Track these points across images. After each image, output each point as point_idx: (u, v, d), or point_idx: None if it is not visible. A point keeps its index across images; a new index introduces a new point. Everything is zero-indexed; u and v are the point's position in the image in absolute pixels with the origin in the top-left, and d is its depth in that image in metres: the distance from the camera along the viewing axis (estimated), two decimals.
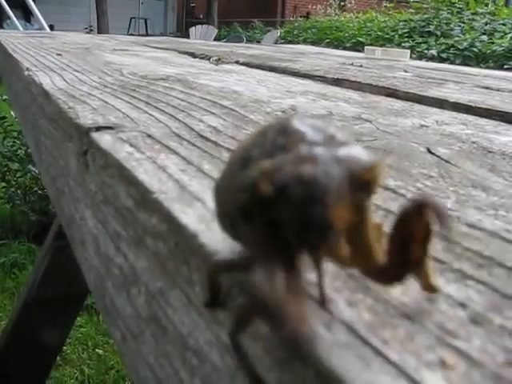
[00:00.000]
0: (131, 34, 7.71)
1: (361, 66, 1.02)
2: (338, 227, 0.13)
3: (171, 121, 0.39)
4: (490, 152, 0.37)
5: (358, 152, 0.14)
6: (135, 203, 0.24)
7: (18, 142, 2.60)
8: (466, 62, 4.81)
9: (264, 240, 0.14)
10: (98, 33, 7.11)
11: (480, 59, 5.02)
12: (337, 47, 5.32)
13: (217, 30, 8.00)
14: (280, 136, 0.15)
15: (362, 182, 0.14)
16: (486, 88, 0.78)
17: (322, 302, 0.15)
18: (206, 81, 0.67)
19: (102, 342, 2.05)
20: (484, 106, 0.58)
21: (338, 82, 0.75)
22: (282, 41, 6.93)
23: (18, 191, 2.59)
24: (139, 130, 0.35)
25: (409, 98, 0.64)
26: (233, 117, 0.42)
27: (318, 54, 1.49)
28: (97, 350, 2.00)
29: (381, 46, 4.97)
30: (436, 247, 0.19)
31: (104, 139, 0.32)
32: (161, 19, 11.55)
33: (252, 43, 4.87)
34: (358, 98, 0.60)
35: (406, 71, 0.95)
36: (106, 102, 0.47)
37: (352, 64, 1.05)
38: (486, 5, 6.62)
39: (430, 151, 0.34)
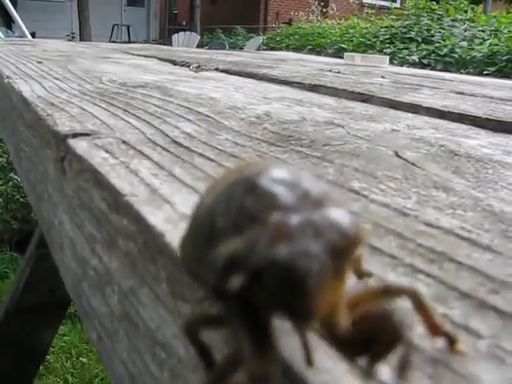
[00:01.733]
0: (114, 41, 7.69)
1: (339, 72, 1.03)
2: (319, 311, 0.12)
3: (147, 127, 0.40)
4: (456, 155, 0.39)
5: (337, 218, 0.13)
6: (108, 206, 0.25)
7: None
8: (446, 68, 4.87)
9: (242, 316, 0.13)
10: (80, 40, 7.09)
11: (460, 65, 5.08)
12: (319, 53, 5.36)
13: (199, 37, 8.01)
14: (248, 198, 0.14)
15: (343, 251, 0.13)
16: (461, 93, 0.80)
17: (308, 360, 0.13)
18: (184, 88, 0.68)
19: (86, 350, 2.04)
20: (457, 111, 0.60)
21: (314, 89, 0.76)
22: (265, 47, 6.95)
23: (0, 199, 2.57)
24: (115, 136, 0.36)
25: (384, 103, 0.66)
26: (207, 123, 0.43)
27: (298, 60, 1.51)
28: (81, 359, 1.99)
29: (363, 52, 5.01)
30: (390, 244, 0.20)
31: (80, 146, 0.33)
32: (143, 26, 11.55)
33: (235, 50, 4.89)
34: (333, 104, 0.62)
35: (383, 77, 0.97)
36: (84, 110, 0.47)
37: (330, 70, 1.07)
38: (466, 12, 6.70)
39: (397, 154, 0.36)
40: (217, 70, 1.01)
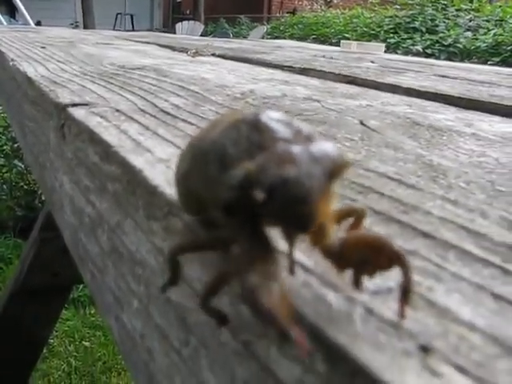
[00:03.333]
0: (117, 30, 7.71)
1: (331, 58, 1.07)
2: (319, 220, 0.15)
3: (139, 100, 0.44)
4: (418, 124, 0.43)
5: (328, 148, 0.15)
6: (100, 158, 0.29)
7: (3, 137, 2.63)
8: (450, 58, 4.87)
9: (245, 229, 0.15)
10: (84, 28, 7.12)
11: (464, 55, 5.08)
12: (323, 43, 5.37)
13: (203, 26, 8.03)
14: (253, 133, 0.16)
15: (333, 175, 0.15)
16: (444, 76, 0.84)
17: (291, 269, 0.16)
18: (180, 70, 0.72)
19: (89, 334, 2.06)
20: (433, 91, 0.64)
21: (304, 72, 0.80)
22: (269, 37, 6.96)
23: (4, 186, 2.61)
24: (110, 106, 0.40)
25: (366, 84, 0.70)
26: (195, 98, 0.47)
27: (297, 47, 1.54)
28: (83, 343, 2.02)
29: (367, 41, 5.02)
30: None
31: (78, 113, 0.38)
32: (147, 15, 11.58)
33: (239, 39, 4.92)
34: (318, 85, 0.66)
35: (372, 62, 1.01)
36: (84, 86, 0.52)
37: (324, 56, 1.11)
38: (471, 1, 6.68)
39: (362, 123, 0.40)
40: (214, 55, 1.05)
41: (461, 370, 0.12)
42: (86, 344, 2.04)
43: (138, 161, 0.25)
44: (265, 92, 0.52)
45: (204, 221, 0.19)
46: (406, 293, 0.14)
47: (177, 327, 0.20)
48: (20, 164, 2.52)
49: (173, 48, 1.18)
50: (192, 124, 0.35)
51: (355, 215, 0.18)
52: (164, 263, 0.19)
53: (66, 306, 2.10)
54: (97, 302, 0.32)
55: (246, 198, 0.14)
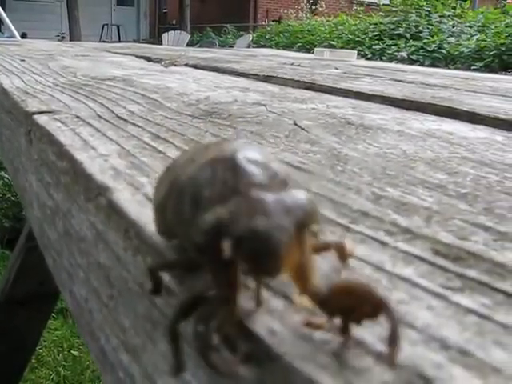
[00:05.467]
0: (104, 41, 7.76)
1: (299, 65, 1.13)
2: (286, 270, 0.15)
3: (99, 108, 0.49)
4: (350, 124, 0.48)
5: (300, 197, 0.16)
6: (56, 156, 0.34)
7: None
8: (435, 64, 4.95)
9: (212, 268, 0.16)
10: (71, 40, 7.16)
11: (448, 60, 5.16)
12: (309, 51, 5.43)
13: (190, 36, 8.09)
14: (229, 175, 0.17)
15: (303, 224, 0.15)
16: (399, 81, 0.89)
17: (258, 302, 0.17)
18: (148, 80, 0.77)
19: (78, 343, 2.07)
20: (380, 94, 0.69)
21: (267, 79, 0.85)
22: (255, 45, 7.03)
23: None
24: (71, 113, 0.45)
25: (322, 89, 0.75)
26: (152, 105, 0.52)
27: (271, 55, 1.60)
28: (72, 352, 2.03)
29: (352, 48, 5.08)
30: None
31: (42, 119, 0.43)
32: (133, 26, 11.66)
33: (225, 48, 4.99)
34: (275, 91, 0.71)
35: (336, 68, 1.06)
36: (53, 96, 0.57)
37: (292, 64, 1.16)
38: (453, 8, 6.78)
39: (295, 123, 0.45)
40: (186, 65, 1.10)
41: None
42: (75, 353, 2.05)
43: (81, 156, 0.30)
44: (218, 98, 0.58)
45: (178, 246, 0.20)
46: (393, 340, 0.14)
47: (105, 286, 0.25)
48: (6, 175, 2.55)
49: (148, 59, 1.23)
50: (138, 126, 0.40)
51: (335, 249, 0.19)
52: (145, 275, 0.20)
53: (54, 315, 2.12)
54: (57, 281, 0.37)
55: (215, 244, 0.15)
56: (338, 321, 0.15)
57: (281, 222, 0.15)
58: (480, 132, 0.49)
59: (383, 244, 0.20)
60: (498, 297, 0.17)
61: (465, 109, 0.58)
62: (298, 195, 0.16)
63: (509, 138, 0.47)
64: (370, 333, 0.15)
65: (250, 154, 0.17)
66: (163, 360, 0.19)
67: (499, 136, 0.48)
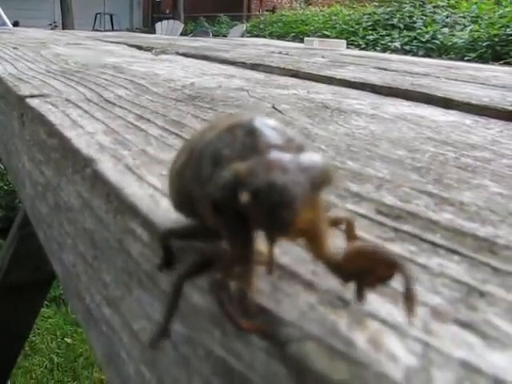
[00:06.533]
0: (97, 30, 7.74)
1: (287, 54, 1.15)
2: (300, 226, 0.15)
3: (89, 92, 0.52)
4: (326, 108, 0.51)
5: (316, 159, 0.16)
6: (47, 135, 0.37)
7: None
8: (428, 54, 4.97)
9: (231, 228, 0.16)
10: (63, 29, 7.14)
11: (442, 51, 5.18)
12: (302, 40, 5.44)
13: (183, 25, 8.08)
14: (247, 137, 0.17)
15: (319, 185, 0.16)
16: (383, 69, 0.92)
17: (269, 269, 0.17)
18: (138, 67, 0.80)
19: (71, 331, 2.11)
20: (361, 81, 0.72)
21: (254, 67, 0.88)
22: (249, 35, 7.03)
23: None
24: (62, 96, 0.48)
25: (306, 77, 0.78)
26: (139, 90, 0.55)
27: (261, 45, 1.62)
28: (65, 339, 2.08)
29: (346, 38, 5.10)
30: None
31: (34, 102, 0.45)
32: (127, 14, 11.62)
33: (219, 37, 5.00)
34: (261, 78, 0.74)
35: (323, 57, 1.09)
36: (45, 82, 0.59)
37: (280, 53, 1.19)
38: None
39: (273, 107, 0.48)
40: (177, 53, 1.12)
41: None
42: (68, 341, 2.08)
43: (70, 133, 0.33)
44: (203, 84, 0.60)
45: (194, 216, 0.20)
46: (411, 296, 0.14)
47: (90, 248, 0.27)
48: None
49: (140, 47, 1.25)
50: (124, 108, 0.42)
51: (344, 224, 0.20)
52: (156, 245, 0.21)
53: (47, 303, 2.16)
54: (48, 253, 0.39)
55: (232, 198, 0.15)
56: (352, 285, 0.16)
57: (297, 178, 0.15)
58: (451, 116, 0.52)
59: (332, 205, 0.23)
60: (425, 246, 0.20)
61: (439, 95, 0.61)
62: (315, 157, 0.16)
63: (477, 121, 0.50)
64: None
65: (268, 122, 0.18)
66: (139, 306, 0.21)
67: (468, 120, 0.50)
